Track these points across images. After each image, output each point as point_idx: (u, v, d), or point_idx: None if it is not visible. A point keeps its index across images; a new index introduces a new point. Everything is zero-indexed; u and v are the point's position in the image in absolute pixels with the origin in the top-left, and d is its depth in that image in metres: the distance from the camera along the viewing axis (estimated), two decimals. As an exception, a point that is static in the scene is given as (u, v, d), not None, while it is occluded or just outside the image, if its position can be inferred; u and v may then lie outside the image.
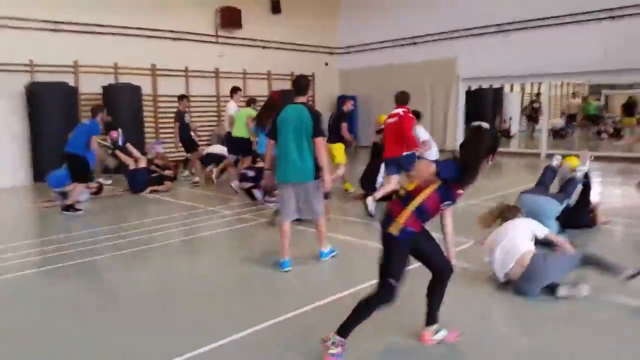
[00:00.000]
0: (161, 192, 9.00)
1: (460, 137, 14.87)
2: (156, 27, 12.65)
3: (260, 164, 7.75)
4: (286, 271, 4.66)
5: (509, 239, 4.11)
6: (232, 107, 10.02)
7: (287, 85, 15.76)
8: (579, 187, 5.84)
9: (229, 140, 9.57)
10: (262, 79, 15.14)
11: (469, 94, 17.39)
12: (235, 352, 3.18)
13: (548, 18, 12.66)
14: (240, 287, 4.48)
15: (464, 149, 2.95)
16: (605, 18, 11.88)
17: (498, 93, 18.94)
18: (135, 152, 9.61)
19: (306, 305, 3.79)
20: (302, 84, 4.86)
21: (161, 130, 12.80)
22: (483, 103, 17.63)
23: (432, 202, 2.90)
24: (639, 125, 18.14)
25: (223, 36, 14.10)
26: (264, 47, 14.99)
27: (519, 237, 4.12)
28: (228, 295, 4.26)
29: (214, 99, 14.01)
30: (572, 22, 12.33)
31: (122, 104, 11.36)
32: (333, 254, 5.03)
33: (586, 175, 5.88)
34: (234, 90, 10.30)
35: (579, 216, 5.79)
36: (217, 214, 7.16)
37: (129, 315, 3.79)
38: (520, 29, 13.15)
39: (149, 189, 9.02)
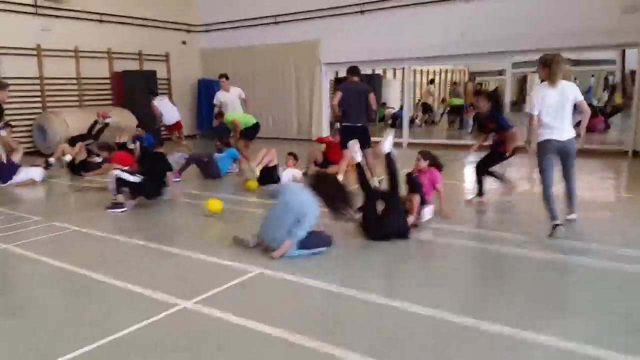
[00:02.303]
0: None
1: (325, 127, 13.92)
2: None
3: None
4: None
5: None
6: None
7: (134, 66, 13.89)
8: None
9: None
10: (102, 58, 13.14)
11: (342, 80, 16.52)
12: None
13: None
14: None
15: None
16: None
17: (374, 80, 18.21)
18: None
19: None
20: None
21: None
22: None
23: None
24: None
25: (44, 7, 11.86)
26: (100, 21, 12.96)
27: None
28: None
29: (37, 81, 11.85)
30: (428, 3, 11.62)
31: None
32: None
33: (389, 159, 4.95)
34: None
35: (388, 221, 4.58)
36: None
37: None
38: (379, 9, 12.26)
39: None
